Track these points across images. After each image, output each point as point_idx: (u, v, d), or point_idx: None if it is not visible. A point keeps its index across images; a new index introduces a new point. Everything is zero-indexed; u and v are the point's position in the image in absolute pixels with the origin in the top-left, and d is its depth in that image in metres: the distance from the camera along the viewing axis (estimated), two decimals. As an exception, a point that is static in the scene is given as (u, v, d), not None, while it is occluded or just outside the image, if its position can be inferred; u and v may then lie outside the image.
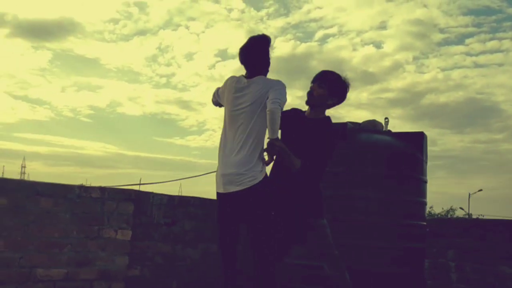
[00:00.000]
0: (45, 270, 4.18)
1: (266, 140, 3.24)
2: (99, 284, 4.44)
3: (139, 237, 4.75)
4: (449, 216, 37.98)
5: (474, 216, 36.99)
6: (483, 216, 36.42)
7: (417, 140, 5.10)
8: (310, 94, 3.56)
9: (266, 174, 3.27)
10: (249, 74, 3.34)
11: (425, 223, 5.14)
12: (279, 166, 3.43)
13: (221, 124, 3.43)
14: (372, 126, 5.18)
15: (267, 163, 3.25)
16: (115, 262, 4.54)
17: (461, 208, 41.72)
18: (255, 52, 3.35)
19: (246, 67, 3.37)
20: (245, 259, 3.41)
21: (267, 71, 3.38)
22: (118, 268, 4.55)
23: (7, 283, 4.00)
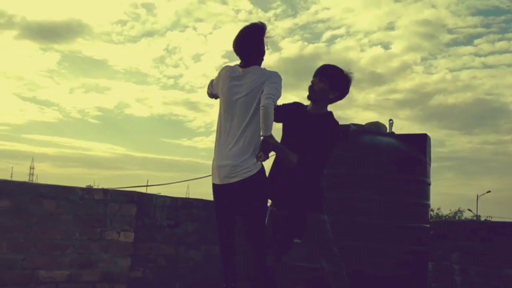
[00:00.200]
0: (47, 272, 4.19)
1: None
2: (101, 286, 4.45)
3: (141, 239, 4.75)
4: (457, 217, 37.76)
5: (482, 218, 36.79)
6: (491, 218, 36.20)
7: (420, 142, 5.08)
8: (311, 88, 3.49)
9: (262, 166, 3.25)
10: (244, 64, 3.31)
11: (428, 226, 5.11)
12: (278, 165, 3.41)
13: None
14: (375, 128, 5.17)
15: (263, 160, 3.21)
16: (117, 264, 4.54)
17: (469, 210, 41.48)
18: (249, 41, 3.31)
19: (240, 57, 3.34)
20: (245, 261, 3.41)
21: (262, 59, 3.34)
22: (120, 270, 4.55)
23: (9, 284, 4.01)
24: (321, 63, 3.76)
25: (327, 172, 4.15)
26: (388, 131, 5.29)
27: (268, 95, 3.07)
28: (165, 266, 4.90)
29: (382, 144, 4.94)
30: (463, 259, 5.43)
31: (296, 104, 3.63)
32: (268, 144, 3.14)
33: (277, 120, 3.54)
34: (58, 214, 4.28)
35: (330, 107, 3.58)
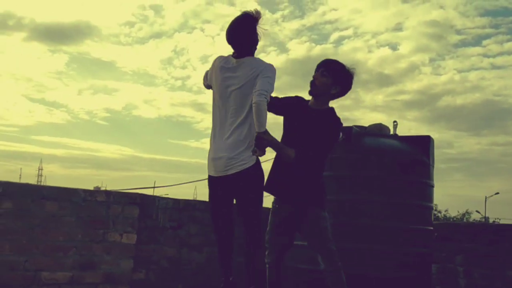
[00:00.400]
0: (50, 273, 4.21)
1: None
2: (104, 287, 4.46)
3: (144, 240, 4.77)
4: (465, 219, 37.58)
5: (490, 220, 36.57)
6: (499, 219, 35.99)
7: (423, 144, 5.05)
8: (312, 83, 3.43)
9: (258, 159, 3.24)
10: (237, 54, 3.28)
11: (431, 228, 5.08)
12: (279, 160, 3.39)
13: None
14: (378, 130, 5.14)
15: (259, 155, 3.20)
16: (120, 265, 4.56)
17: (478, 212, 41.26)
18: (242, 31, 3.26)
19: (233, 47, 3.30)
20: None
21: (255, 49, 3.31)
22: (123, 272, 4.57)
23: (12, 286, 4.04)
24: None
25: (330, 174, 4.16)
26: (392, 132, 5.27)
27: (260, 91, 3.04)
28: (167, 268, 4.91)
29: (385, 146, 4.91)
30: (467, 262, 5.40)
31: (297, 98, 3.58)
32: (262, 140, 3.11)
33: (277, 113, 3.53)
34: (60, 216, 4.30)
35: (333, 104, 3.53)
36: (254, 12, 3.26)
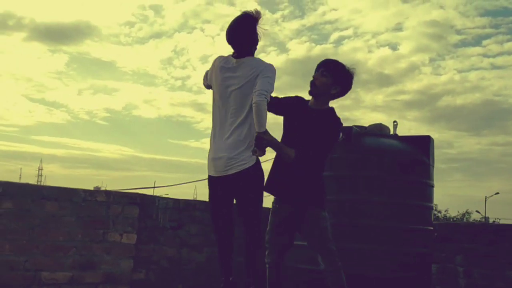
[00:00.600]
0: (50, 273, 4.22)
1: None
2: (104, 287, 4.46)
3: (144, 240, 4.77)
4: (465, 219, 37.58)
5: (490, 220, 36.58)
6: (499, 219, 36.00)
7: (423, 144, 5.05)
8: (312, 83, 3.43)
9: (258, 159, 3.25)
10: (237, 54, 3.27)
11: (431, 228, 5.08)
12: (280, 160, 3.39)
13: None
14: (378, 130, 5.14)
15: (259, 155, 3.20)
16: (120, 265, 4.56)
17: (478, 212, 41.26)
18: (242, 31, 3.26)
19: (233, 47, 3.30)
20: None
21: (255, 49, 3.30)
22: (123, 272, 4.57)
23: (12, 286, 4.04)
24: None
25: (330, 174, 4.16)
26: (392, 132, 5.27)
27: (260, 91, 3.05)
28: (167, 268, 4.91)
29: (385, 146, 4.92)
30: (467, 262, 5.39)
31: (297, 99, 3.58)
32: (262, 140, 3.11)
33: (277, 113, 3.53)
34: (60, 216, 4.31)
35: (333, 104, 3.52)
36: (254, 12, 3.25)
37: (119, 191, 4.99)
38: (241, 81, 3.18)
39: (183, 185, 10.27)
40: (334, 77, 3.41)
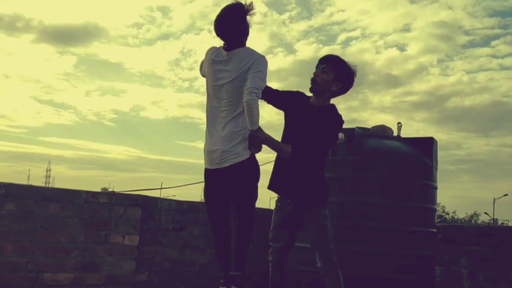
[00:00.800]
0: (52, 274, 4.24)
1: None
2: (106, 288, 4.48)
3: (146, 242, 4.77)
4: (473, 221, 37.39)
5: (499, 222, 36.39)
6: (508, 221, 35.82)
7: (426, 146, 5.02)
8: (313, 80, 3.39)
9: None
10: (228, 46, 3.21)
11: (435, 230, 5.05)
12: (281, 158, 3.38)
13: None
14: (381, 132, 5.12)
15: (255, 152, 3.19)
16: (122, 267, 4.57)
17: (486, 213, 41.05)
18: (230, 22, 3.18)
19: (222, 39, 3.24)
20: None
21: (246, 39, 3.24)
22: (125, 273, 4.58)
23: (14, 287, 4.06)
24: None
25: (332, 175, 4.14)
26: (396, 134, 5.25)
27: (251, 89, 3.00)
28: (170, 270, 4.92)
29: (388, 147, 4.89)
30: (471, 264, 5.38)
31: (298, 94, 3.52)
32: (255, 138, 3.10)
33: (277, 107, 3.51)
34: (63, 217, 4.33)
35: (336, 102, 3.48)
36: (244, 2, 3.17)
37: (123, 192, 5.01)
38: (231, 74, 3.14)
39: (190, 186, 10.21)
40: (335, 73, 3.36)
